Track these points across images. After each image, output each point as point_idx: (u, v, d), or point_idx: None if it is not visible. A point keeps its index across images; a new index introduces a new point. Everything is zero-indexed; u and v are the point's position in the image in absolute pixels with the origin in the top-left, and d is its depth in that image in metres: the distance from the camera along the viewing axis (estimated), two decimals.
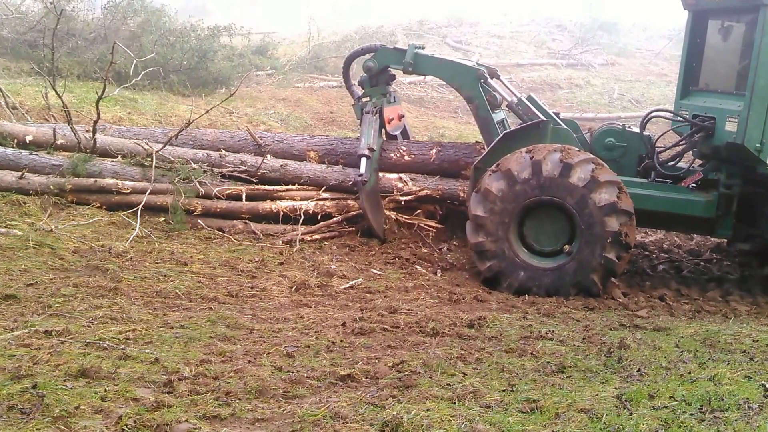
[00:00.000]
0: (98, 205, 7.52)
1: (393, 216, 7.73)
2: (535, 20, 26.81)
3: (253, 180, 7.78)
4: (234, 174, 7.80)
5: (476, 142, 7.95)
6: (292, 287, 6.07)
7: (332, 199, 7.70)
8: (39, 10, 14.31)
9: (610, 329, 5.42)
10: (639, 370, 4.44)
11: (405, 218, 7.76)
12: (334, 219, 7.63)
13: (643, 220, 6.72)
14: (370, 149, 7.44)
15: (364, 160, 7.39)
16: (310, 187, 7.80)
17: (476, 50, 20.81)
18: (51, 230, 6.66)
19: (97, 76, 12.52)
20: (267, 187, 7.74)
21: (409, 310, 5.58)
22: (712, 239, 8.18)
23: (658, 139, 7.36)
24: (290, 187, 7.77)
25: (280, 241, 7.27)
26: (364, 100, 7.79)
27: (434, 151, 7.83)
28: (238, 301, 5.65)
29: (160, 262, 6.40)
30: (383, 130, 7.89)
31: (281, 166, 7.85)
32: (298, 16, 23.40)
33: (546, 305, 6.07)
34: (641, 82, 20.52)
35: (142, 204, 7.32)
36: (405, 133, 8.36)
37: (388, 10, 28.75)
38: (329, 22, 23.95)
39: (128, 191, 7.54)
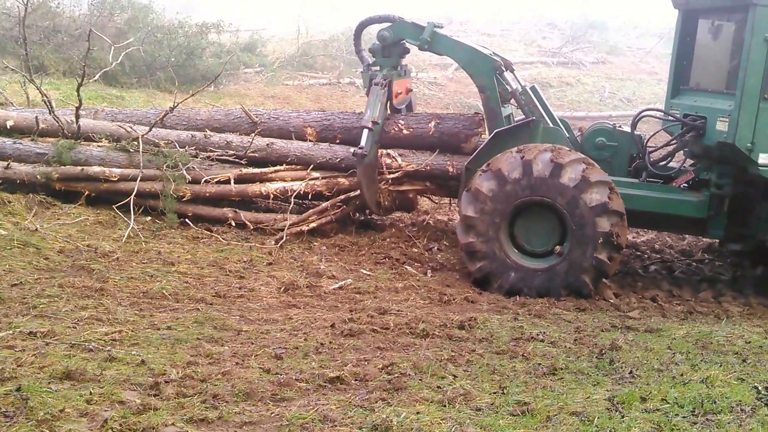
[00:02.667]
0: (87, 192, 7.48)
1: (383, 187, 7.66)
2: (526, 18, 26.84)
3: (241, 162, 7.67)
4: (222, 157, 7.69)
5: (475, 113, 7.83)
6: (280, 288, 6.04)
7: (322, 178, 7.61)
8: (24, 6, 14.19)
9: (602, 331, 5.42)
10: (631, 372, 4.44)
11: (395, 188, 7.69)
12: (323, 205, 7.57)
13: (634, 221, 6.73)
14: (374, 122, 7.31)
15: (366, 132, 7.27)
16: (298, 167, 7.70)
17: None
18: (36, 230, 6.59)
19: (87, 73, 12.41)
20: (255, 170, 7.63)
21: (399, 311, 5.56)
22: (704, 239, 8.20)
23: (649, 138, 7.37)
24: (278, 168, 7.67)
25: (273, 241, 7.21)
26: (373, 69, 7.61)
27: (433, 123, 7.68)
28: (226, 302, 5.61)
29: (147, 262, 6.34)
30: (389, 103, 7.72)
31: (267, 144, 7.76)
32: (287, 14, 23.31)
33: (537, 306, 6.06)
34: (632, 80, 20.61)
35: (133, 193, 7.23)
36: (410, 107, 8.22)
37: (376, 8, 28.66)
38: (318, 21, 23.88)
39: (116, 178, 7.46)
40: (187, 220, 7.45)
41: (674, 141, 6.97)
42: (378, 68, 7.59)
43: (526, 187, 6.37)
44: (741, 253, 7.48)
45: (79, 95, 7.86)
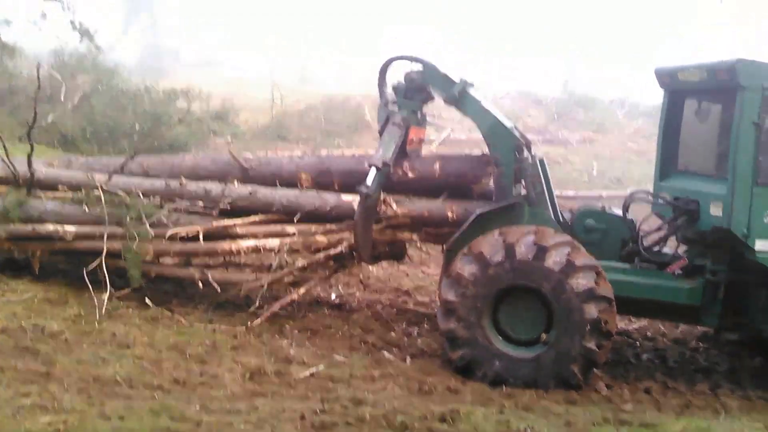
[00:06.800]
0: (39, 252, 7.45)
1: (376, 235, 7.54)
2: (510, 94, 27.71)
3: (213, 214, 7.56)
4: (192, 208, 7.58)
5: (483, 153, 7.80)
6: (246, 374, 5.97)
7: (299, 234, 7.49)
8: None
9: (594, 425, 5.40)
10: None
11: (383, 238, 7.63)
12: (301, 264, 7.51)
13: (625, 307, 6.79)
14: (385, 163, 7.25)
15: (373, 170, 7.20)
16: (276, 216, 7.59)
17: (449, 124, 21.34)
18: None
19: (42, 139, 12.50)
20: (226, 221, 7.50)
21: (375, 401, 5.50)
22: (699, 327, 8.28)
23: (642, 222, 7.46)
24: (254, 218, 7.57)
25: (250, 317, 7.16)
26: (391, 107, 7.63)
27: (438, 165, 7.70)
28: (185, 390, 5.52)
29: (99, 344, 6.25)
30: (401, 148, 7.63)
31: (250, 192, 7.66)
32: (261, 82, 23.87)
33: (524, 398, 6.04)
34: (621, 159, 21.20)
35: (103, 256, 7.11)
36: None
37: (358, 80, 29.50)
38: (294, 90, 24.47)
39: (71, 237, 7.34)
40: (147, 299, 7.37)
41: (665, 225, 7.12)
42: (397, 108, 7.60)
43: (509, 271, 6.43)
44: (738, 343, 7.54)
45: (30, 140, 7.87)
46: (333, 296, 8.63)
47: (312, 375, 6.13)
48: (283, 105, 20.32)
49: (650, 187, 7.71)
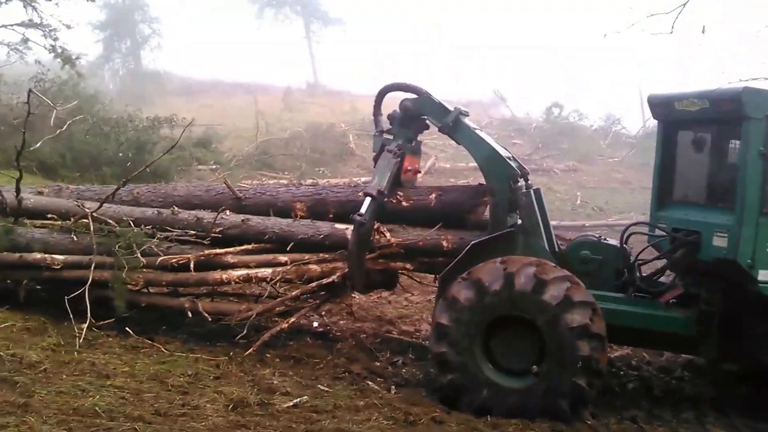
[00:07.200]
0: (26, 281, 7.39)
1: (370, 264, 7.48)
2: (494, 123, 28.00)
3: (205, 242, 7.53)
4: (183, 237, 7.53)
5: (479, 184, 7.82)
6: (228, 405, 5.90)
7: (291, 263, 7.45)
8: None
9: None
10: None
11: (377, 267, 7.58)
12: (293, 294, 7.48)
13: (620, 338, 6.79)
14: (380, 192, 7.31)
15: (368, 199, 7.26)
16: (269, 245, 7.58)
17: (433, 152, 21.51)
18: None
19: (22, 165, 12.44)
20: (217, 250, 7.48)
21: None
22: (683, 355, 8.32)
23: (639, 254, 7.49)
24: (246, 246, 7.55)
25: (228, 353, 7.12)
26: (386, 136, 7.73)
27: (434, 195, 7.73)
28: (167, 421, 5.44)
29: (79, 374, 6.17)
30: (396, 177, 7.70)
31: (242, 221, 7.65)
32: (247, 110, 23.96)
33: (510, 428, 6.02)
34: (604, 189, 21.43)
35: (88, 285, 7.06)
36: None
37: (342, 108, 29.73)
38: (278, 118, 24.58)
39: (59, 266, 7.28)
40: (127, 328, 7.32)
41: (664, 257, 7.13)
42: (392, 136, 7.70)
43: (505, 300, 6.42)
44: (738, 375, 7.53)
45: (18, 165, 7.84)
46: (315, 324, 8.60)
47: (296, 405, 6.07)
48: (268, 133, 20.41)
49: (636, 216, 7.74)
